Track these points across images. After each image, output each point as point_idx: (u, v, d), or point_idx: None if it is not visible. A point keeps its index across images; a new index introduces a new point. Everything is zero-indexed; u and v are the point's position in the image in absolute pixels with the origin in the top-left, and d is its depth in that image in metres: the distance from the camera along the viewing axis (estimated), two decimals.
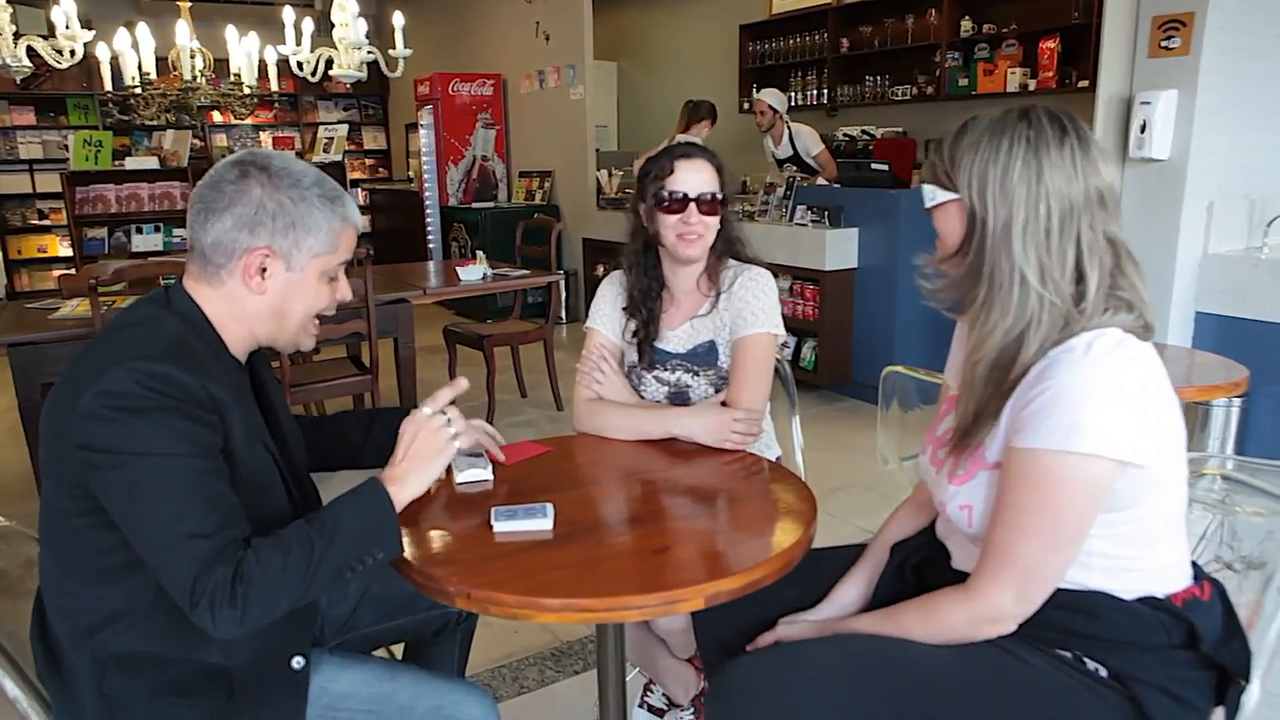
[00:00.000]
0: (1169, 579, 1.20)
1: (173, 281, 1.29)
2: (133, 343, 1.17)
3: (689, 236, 1.80)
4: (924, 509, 1.49)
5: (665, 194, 1.80)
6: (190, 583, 1.07)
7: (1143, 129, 3.46)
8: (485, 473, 1.52)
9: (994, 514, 1.18)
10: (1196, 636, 1.16)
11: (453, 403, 1.37)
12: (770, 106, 5.63)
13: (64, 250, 8.35)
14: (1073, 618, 1.18)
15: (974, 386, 1.22)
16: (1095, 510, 1.12)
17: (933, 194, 1.24)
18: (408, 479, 1.27)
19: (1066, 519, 1.12)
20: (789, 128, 5.68)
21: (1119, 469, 1.10)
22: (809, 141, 5.64)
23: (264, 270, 1.25)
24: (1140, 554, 1.18)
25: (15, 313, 3.80)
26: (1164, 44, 3.41)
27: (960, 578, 1.23)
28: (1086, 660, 1.19)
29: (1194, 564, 1.26)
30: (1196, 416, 3.24)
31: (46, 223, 8.60)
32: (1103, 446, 1.08)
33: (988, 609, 1.17)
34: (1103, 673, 1.17)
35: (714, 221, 1.82)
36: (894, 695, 1.17)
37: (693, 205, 1.80)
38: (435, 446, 1.30)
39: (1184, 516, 1.22)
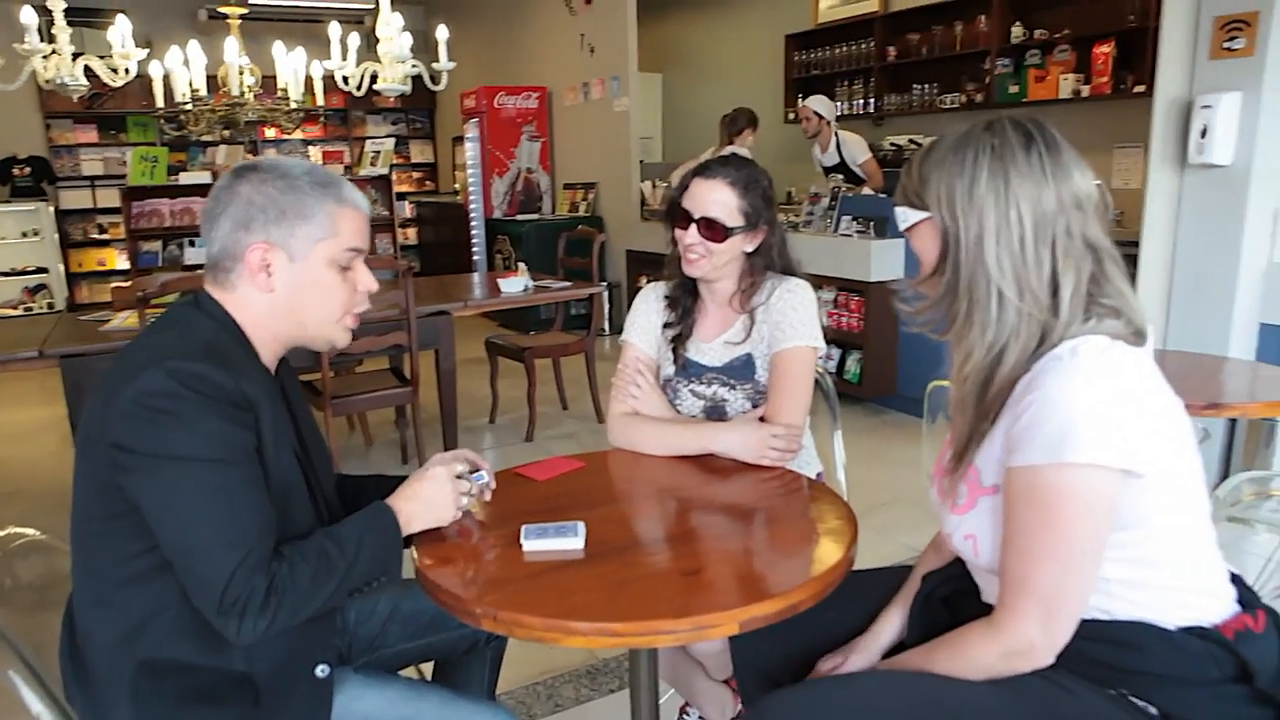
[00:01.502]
0: (1213, 607, 1.12)
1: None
2: (167, 344, 1.17)
3: (689, 255, 1.78)
4: None
5: (675, 208, 1.80)
6: (221, 589, 1.07)
7: (1203, 134, 3.33)
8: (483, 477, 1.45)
9: (1004, 541, 1.12)
10: (1249, 671, 1.08)
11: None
12: (816, 113, 5.58)
13: (121, 263, 8.58)
14: (1111, 651, 1.11)
15: (964, 406, 1.18)
16: (1105, 525, 1.06)
17: (904, 215, 1.21)
18: (413, 522, 1.30)
19: (1075, 537, 1.06)
20: (836, 135, 5.62)
21: (1121, 479, 1.04)
22: (855, 150, 5.57)
23: (268, 266, 1.24)
24: (1162, 576, 1.11)
25: (69, 324, 3.88)
26: (1226, 45, 3.28)
27: (989, 611, 1.17)
28: (1133, 700, 1.11)
29: (1249, 590, 1.18)
30: (1261, 433, 3.10)
31: (106, 237, 8.86)
32: (1099, 455, 1.02)
33: (1014, 642, 1.10)
34: (1152, 711, 1.10)
35: (718, 247, 1.76)
36: None
37: (694, 226, 1.76)
38: (443, 505, 1.33)
39: (1212, 535, 1.15)
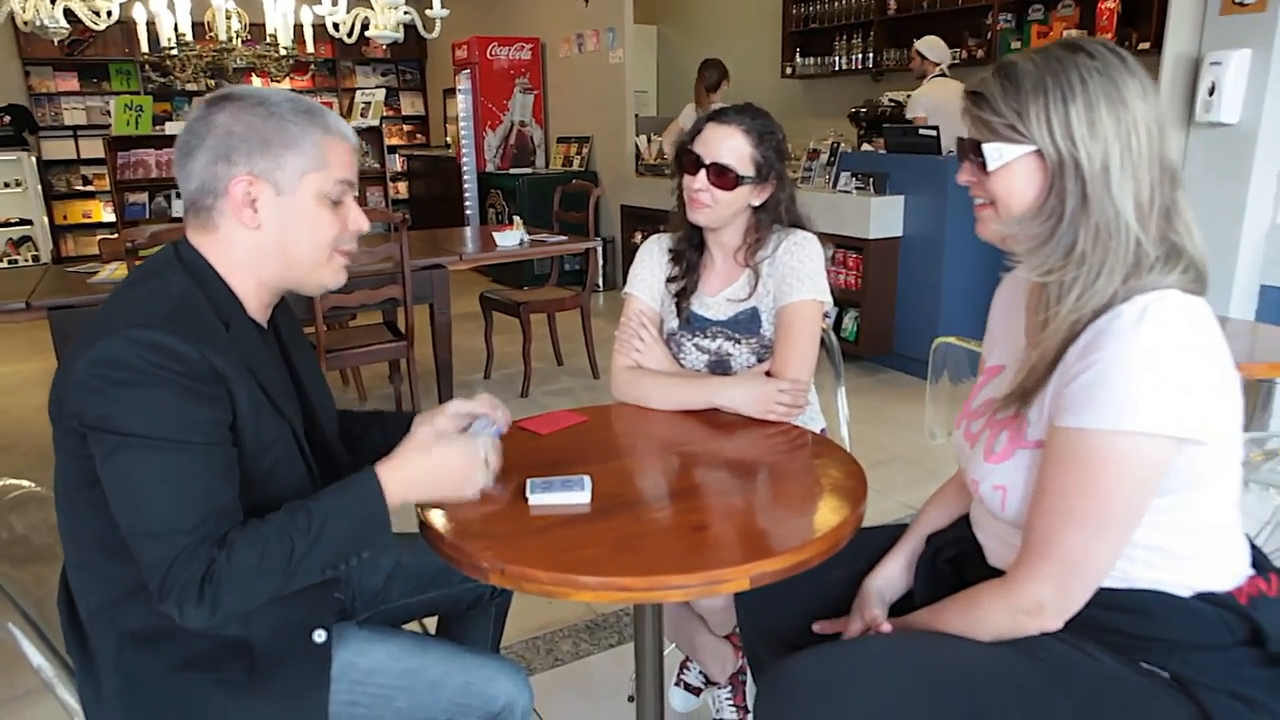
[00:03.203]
0: (1228, 572, 1.11)
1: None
2: (132, 307, 1.10)
3: (694, 200, 1.74)
4: (965, 491, 1.41)
5: (685, 152, 1.76)
6: (161, 576, 1.03)
7: (1211, 91, 3.29)
8: (495, 427, 1.35)
9: (1034, 499, 1.09)
10: (1262, 635, 1.07)
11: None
12: (918, 52, 5.35)
13: (107, 215, 8.46)
14: (1123, 618, 1.09)
15: (1050, 347, 1.09)
16: (1149, 495, 1.03)
17: (999, 153, 1.10)
18: (412, 490, 1.18)
19: (1115, 505, 1.03)
20: (927, 84, 5.26)
21: (1177, 447, 1.00)
22: (912, 103, 5.26)
23: (253, 201, 1.15)
24: (1189, 543, 1.09)
25: (56, 277, 3.82)
26: (1238, 0, 3.22)
27: (999, 575, 1.15)
28: (1145, 665, 1.10)
29: (1261, 553, 1.16)
30: (1260, 394, 3.10)
31: (90, 188, 8.70)
32: (1161, 424, 0.98)
33: (1024, 600, 1.09)
34: (1164, 675, 1.09)
35: (726, 195, 1.72)
36: (961, 696, 1.09)
37: (704, 171, 1.72)
38: (458, 483, 1.20)
39: (1239, 500, 1.12)
